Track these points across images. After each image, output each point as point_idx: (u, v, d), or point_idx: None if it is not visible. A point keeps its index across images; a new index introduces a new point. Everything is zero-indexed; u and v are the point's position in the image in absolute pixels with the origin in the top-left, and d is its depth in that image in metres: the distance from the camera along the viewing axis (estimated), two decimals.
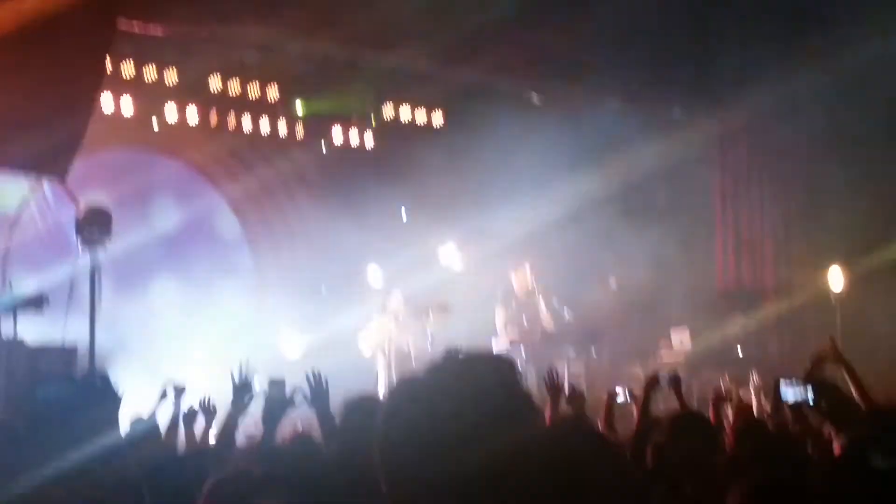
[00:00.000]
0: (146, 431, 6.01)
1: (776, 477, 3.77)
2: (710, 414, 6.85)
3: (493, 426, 1.93)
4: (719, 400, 7.37)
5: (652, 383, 7.05)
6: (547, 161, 14.86)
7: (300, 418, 6.86)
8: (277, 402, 5.76)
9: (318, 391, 6.21)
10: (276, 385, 5.86)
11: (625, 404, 7.25)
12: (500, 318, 14.42)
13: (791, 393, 5.81)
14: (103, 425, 3.63)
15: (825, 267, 14.50)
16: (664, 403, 8.34)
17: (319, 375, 6.28)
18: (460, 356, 2.07)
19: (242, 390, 5.28)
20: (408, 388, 2.05)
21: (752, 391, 10.47)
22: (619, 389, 7.33)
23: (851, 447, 4.34)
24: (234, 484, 3.61)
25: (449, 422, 1.92)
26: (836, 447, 4.48)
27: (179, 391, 7.24)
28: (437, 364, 2.06)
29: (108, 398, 3.81)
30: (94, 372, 4.01)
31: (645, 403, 6.72)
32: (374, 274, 15.61)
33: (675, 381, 7.34)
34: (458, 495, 1.88)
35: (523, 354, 14.06)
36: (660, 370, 8.86)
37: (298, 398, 5.92)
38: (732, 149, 16.55)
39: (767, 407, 7.81)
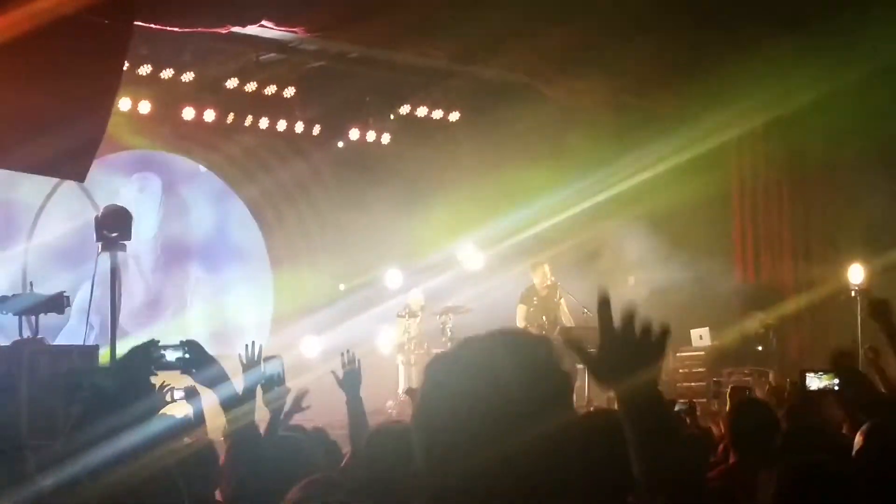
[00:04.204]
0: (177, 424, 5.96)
1: (817, 461, 3.74)
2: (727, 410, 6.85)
3: (534, 403, 1.89)
4: (736, 394, 7.39)
5: None
6: (564, 158, 14.84)
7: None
8: (275, 381, 5.58)
9: (351, 372, 6.16)
10: (272, 363, 5.47)
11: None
12: (520, 316, 14.40)
13: (816, 381, 5.80)
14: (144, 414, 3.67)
15: (845, 263, 14.42)
16: None
17: (354, 355, 6.24)
18: (500, 332, 2.01)
19: (251, 368, 5.10)
20: (447, 361, 2.00)
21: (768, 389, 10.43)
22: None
23: (878, 432, 4.32)
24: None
25: (489, 396, 1.87)
26: (860, 436, 4.45)
27: (192, 394, 7.09)
28: (476, 338, 2.00)
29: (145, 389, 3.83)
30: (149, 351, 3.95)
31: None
32: (392, 277, 15.61)
33: (691, 410, 7.50)
34: (496, 474, 1.84)
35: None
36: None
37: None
38: (751, 145, 16.48)
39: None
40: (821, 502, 3.42)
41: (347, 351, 6.27)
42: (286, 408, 5.90)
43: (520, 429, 1.84)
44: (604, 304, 2.19)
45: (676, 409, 7.13)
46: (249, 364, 5.06)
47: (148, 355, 3.95)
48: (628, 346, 2.16)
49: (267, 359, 5.62)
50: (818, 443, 4.82)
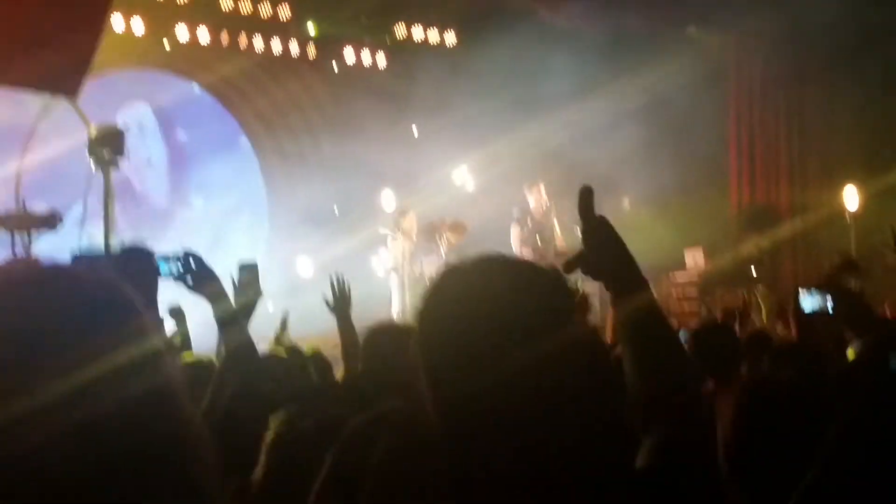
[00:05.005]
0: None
1: (776, 378, 3.75)
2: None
3: (533, 321, 1.87)
4: (728, 316, 7.39)
5: None
6: (560, 80, 14.75)
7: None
8: (251, 290, 5.40)
9: (341, 295, 6.12)
10: (248, 269, 5.03)
11: None
12: (514, 237, 14.39)
13: (810, 302, 5.81)
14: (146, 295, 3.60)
15: (840, 185, 14.43)
16: None
17: (342, 279, 6.19)
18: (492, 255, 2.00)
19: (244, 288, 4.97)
20: (450, 279, 1.97)
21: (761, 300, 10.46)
22: None
23: (870, 350, 4.33)
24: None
25: (494, 312, 1.86)
26: (851, 353, 4.46)
27: (178, 314, 6.98)
28: (482, 258, 1.99)
29: (148, 270, 3.73)
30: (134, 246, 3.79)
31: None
32: (387, 199, 15.58)
33: None
34: (502, 389, 1.81)
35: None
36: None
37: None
38: (747, 67, 16.40)
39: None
40: (778, 419, 3.38)
41: (336, 274, 6.25)
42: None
43: (520, 346, 1.82)
44: (585, 194, 2.25)
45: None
46: (241, 286, 5.00)
47: (150, 259, 3.83)
48: (607, 229, 2.20)
49: (243, 265, 5.49)
50: (800, 362, 4.83)
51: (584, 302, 7.28)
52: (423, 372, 1.90)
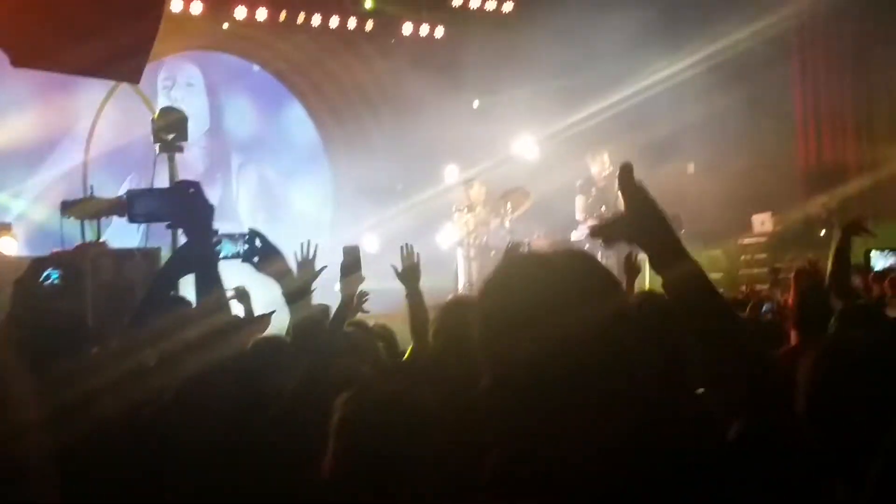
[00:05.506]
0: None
1: (856, 337, 3.68)
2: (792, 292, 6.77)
3: (587, 294, 1.96)
4: (800, 277, 7.28)
5: None
6: (620, 45, 14.59)
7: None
8: (354, 268, 5.60)
9: (410, 266, 6.12)
10: (351, 251, 5.61)
11: None
12: (579, 207, 14.29)
13: (882, 260, 5.74)
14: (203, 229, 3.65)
15: None
16: None
17: (412, 248, 6.22)
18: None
19: (305, 267, 5.05)
20: (515, 262, 2.09)
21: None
22: None
23: None
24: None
25: (552, 296, 1.95)
26: None
27: (244, 296, 7.05)
28: (540, 251, 2.10)
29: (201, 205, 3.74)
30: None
31: None
32: (451, 173, 15.55)
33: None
34: (557, 366, 1.90)
35: (602, 241, 13.98)
36: None
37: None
38: (812, 24, 16.12)
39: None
40: (856, 378, 3.34)
41: (406, 245, 6.24)
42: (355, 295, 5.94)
43: (574, 316, 1.92)
44: (625, 170, 2.28)
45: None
46: (304, 263, 5.05)
47: (210, 243, 3.85)
48: (646, 202, 2.24)
49: (346, 248, 5.65)
50: (872, 322, 4.77)
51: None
52: (481, 343, 2.00)
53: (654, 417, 1.97)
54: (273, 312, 5.37)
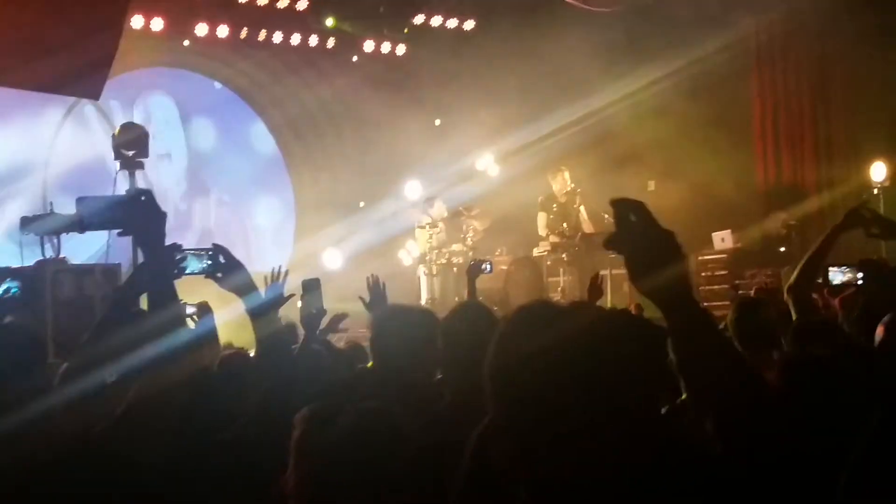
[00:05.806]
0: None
1: (819, 353, 3.73)
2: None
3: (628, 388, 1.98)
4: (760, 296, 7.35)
5: None
6: (581, 63, 14.67)
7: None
8: (314, 303, 5.66)
9: (377, 295, 6.24)
10: (311, 284, 5.67)
11: None
12: (541, 224, 14.37)
13: (840, 276, 5.76)
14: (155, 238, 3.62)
15: (868, 161, 14.30)
16: None
17: (378, 279, 6.32)
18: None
19: (274, 289, 5.08)
20: (532, 322, 2.08)
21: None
22: None
23: None
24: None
25: (572, 367, 1.96)
26: (881, 328, 4.39)
27: (205, 311, 7.04)
28: (567, 309, 2.11)
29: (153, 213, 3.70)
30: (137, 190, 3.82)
31: None
32: (412, 189, 15.58)
33: None
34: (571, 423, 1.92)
35: (565, 258, 14.07)
36: None
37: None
38: (772, 43, 16.25)
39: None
40: (822, 394, 3.38)
41: (372, 275, 6.37)
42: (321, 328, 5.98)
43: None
44: (621, 204, 2.24)
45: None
46: (273, 286, 5.13)
47: (171, 259, 3.83)
48: (650, 240, 2.21)
49: (306, 282, 5.71)
50: (827, 338, 4.79)
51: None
52: (493, 380, 2.02)
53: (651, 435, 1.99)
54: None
